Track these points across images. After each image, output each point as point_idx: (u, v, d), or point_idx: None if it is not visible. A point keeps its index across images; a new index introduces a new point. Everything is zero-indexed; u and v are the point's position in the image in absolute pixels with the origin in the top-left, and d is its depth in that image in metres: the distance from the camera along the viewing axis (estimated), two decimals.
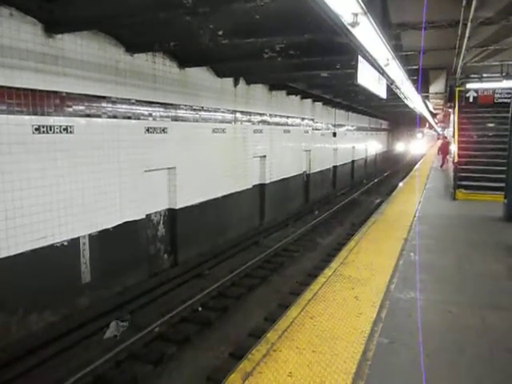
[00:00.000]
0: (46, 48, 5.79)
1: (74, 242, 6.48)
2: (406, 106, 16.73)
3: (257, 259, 9.38)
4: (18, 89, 5.44)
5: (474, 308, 4.50)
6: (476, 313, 4.38)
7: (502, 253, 6.54)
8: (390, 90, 9.82)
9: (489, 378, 3.25)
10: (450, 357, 3.53)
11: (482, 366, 3.40)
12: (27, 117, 5.59)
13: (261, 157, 12.84)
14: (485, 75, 14.62)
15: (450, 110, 19.41)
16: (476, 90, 14.93)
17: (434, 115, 29.45)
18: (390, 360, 3.46)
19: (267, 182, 13.25)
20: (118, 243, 7.33)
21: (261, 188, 13.07)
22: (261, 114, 12.38)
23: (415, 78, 12.28)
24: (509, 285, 5.21)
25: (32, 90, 5.63)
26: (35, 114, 5.69)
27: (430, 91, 14.61)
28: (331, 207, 16.22)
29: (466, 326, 4.08)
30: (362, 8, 3.79)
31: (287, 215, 14.33)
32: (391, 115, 29.80)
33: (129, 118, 7.35)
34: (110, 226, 7.12)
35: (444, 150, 21.06)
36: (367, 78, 6.48)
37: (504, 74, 12.91)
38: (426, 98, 17.03)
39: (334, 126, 19.66)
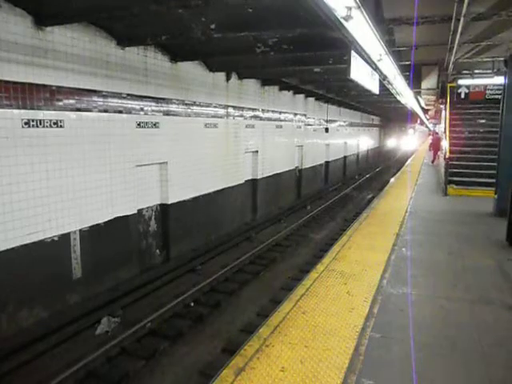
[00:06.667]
0: (35, 41, 5.69)
1: (65, 238, 6.41)
2: (398, 101, 16.78)
3: (249, 254, 9.37)
4: (6, 82, 5.35)
5: (466, 303, 4.53)
6: (467, 308, 4.41)
7: (493, 248, 6.60)
8: (382, 86, 9.83)
9: (480, 372, 3.27)
10: (441, 351, 3.55)
11: (474, 361, 3.43)
12: (16, 110, 5.51)
13: (253, 152, 12.80)
14: (476, 71, 14.70)
15: (441, 106, 19.51)
16: (467, 86, 15.02)
17: (425, 111, 29.59)
18: (382, 355, 3.47)
19: (259, 177, 13.22)
20: (110, 238, 7.28)
21: (253, 183, 13.05)
22: (253, 109, 12.34)
23: (407, 73, 12.30)
24: (499, 280, 5.25)
25: (21, 83, 5.54)
26: (25, 107, 5.61)
27: (422, 87, 14.64)
28: (323, 202, 16.25)
29: (458, 321, 4.11)
30: (356, 1, 3.77)
31: (279, 210, 14.34)
32: (383, 111, 29.86)
33: (120, 112, 7.27)
34: (101, 221, 7.06)
35: (435, 146, 21.22)
36: (360, 73, 6.47)
37: (495, 70, 12.97)
38: (417, 93, 17.08)
39: (327, 121, 19.66)
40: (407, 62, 11.79)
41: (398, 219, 8.41)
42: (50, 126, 6.00)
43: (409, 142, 50.57)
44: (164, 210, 8.87)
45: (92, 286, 6.98)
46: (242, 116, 11.68)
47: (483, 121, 14.20)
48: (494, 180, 9.35)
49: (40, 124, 5.84)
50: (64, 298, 6.51)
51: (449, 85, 14.80)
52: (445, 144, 14.22)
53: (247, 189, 12.63)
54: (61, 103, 6.14)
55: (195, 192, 9.73)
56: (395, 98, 14.48)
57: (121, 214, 7.49)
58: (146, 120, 7.90)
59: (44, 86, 5.86)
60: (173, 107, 8.68)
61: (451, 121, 14.11)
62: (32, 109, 5.71)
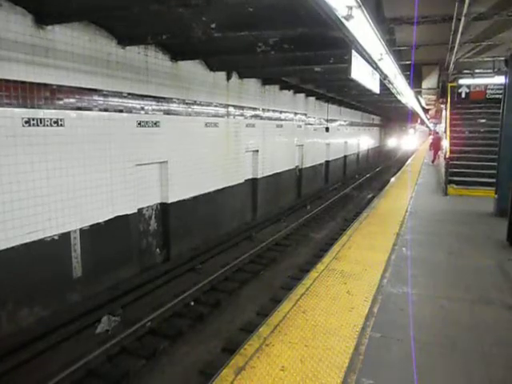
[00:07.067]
0: (36, 39, 5.69)
1: (65, 237, 6.41)
2: (399, 101, 16.76)
3: (249, 253, 9.37)
4: (7, 81, 5.35)
5: (466, 303, 4.53)
6: (467, 307, 4.41)
7: (493, 248, 6.59)
8: (383, 85, 9.81)
9: (480, 372, 3.27)
10: (441, 351, 3.55)
11: (474, 360, 3.43)
12: (17, 109, 5.51)
13: (253, 151, 12.80)
14: (477, 71, 14.68)
15: (442, 106, 19.49)
16: (468, 86, 15.00)
17: (426, 111, 29.58)
18: (382, 354, 3.47)
19: (260, 176, 13.22)
20: (110, 238, 7.28)
21: (253, 183, 13.05)
22: (253, 109, 12.33)
23: (408, 73, 12.29)
24: (500, 280, 5.25)
25: (22, 82, 5.54)
26: (25, 106, 5.61)
27: (423, 87, 14.64)
28: (323, 202, 16.24)
29: (458, 321, 4.10)
30: (357, 1, 3.76)
31: (280, 210, 14.33)
32: (384, 111, 29.85)
33: (120, 111, 7.27)
34: (101, 220, 7.06)
35: (435, 146, 21.21)
36: (361, 73, 6.46)
37: (496, 70, 12.96)
38: (418, 93, 17.07)
39: (327, 120, 19.65)
40: (408, 62, 11.75)
41: (398, 219, 8.40)
42: (51, 125, 6.00)
43: (409, 141, 50.52)
44: (164, 209, 8.86)
45: (92, 285, 6.98)
46: (242, 115, 11.68)
47: (484, 120, 14.18)
48: (494, 180, 9.34)
49: (40, 123, 5.84)
50: (64, 297, 6.51)
51: (449, 84, 14.78)
52: (445, 144, 14.21)
53: (247, 188, 12.63)
54: (61, 102, 6.14)
55: (195, 191, 9.73)
56: (396, 97, 14.47)
57: (121, 213, 7.49)
58: (146, 119, 7.89)
59: (44, 84, 5.86)
60: (173, 106, 8.67)
61: (452, 120, 14.09)
62: (32, 108, 5.71)
